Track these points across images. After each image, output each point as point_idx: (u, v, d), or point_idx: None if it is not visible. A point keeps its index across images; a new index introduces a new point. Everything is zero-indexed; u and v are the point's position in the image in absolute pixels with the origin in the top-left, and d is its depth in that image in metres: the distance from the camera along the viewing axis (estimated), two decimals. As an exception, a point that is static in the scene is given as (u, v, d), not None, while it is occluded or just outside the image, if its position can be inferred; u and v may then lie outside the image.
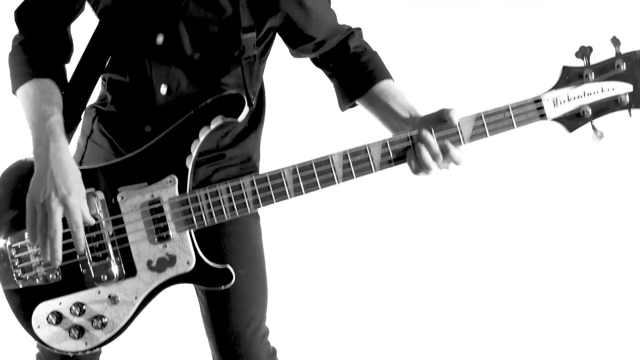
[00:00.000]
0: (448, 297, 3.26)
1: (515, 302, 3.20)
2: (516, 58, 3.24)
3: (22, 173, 1.62)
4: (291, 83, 2.90)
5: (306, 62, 1.82)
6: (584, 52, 1.48)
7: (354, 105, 1.76)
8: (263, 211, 1.82)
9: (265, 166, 1.66)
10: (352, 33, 1.74)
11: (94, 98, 1.83)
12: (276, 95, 2.00)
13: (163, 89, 1.65)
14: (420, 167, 1.52)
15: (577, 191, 3.41)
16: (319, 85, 1.86)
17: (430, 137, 1.51)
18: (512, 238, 3.38)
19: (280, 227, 3.04)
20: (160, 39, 1.62)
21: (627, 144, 3.22)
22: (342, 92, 1.75)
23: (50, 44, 1.68)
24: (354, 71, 1.72)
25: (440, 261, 3.38)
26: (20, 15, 1.69)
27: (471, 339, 3.03)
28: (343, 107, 1.78)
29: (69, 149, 1.55)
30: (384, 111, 1.65)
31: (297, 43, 1.72)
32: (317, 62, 1.79)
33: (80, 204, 1.52)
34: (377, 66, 1.72)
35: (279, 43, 1.76)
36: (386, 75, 1.71)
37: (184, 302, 2.35)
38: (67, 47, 1.72)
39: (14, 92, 1.68)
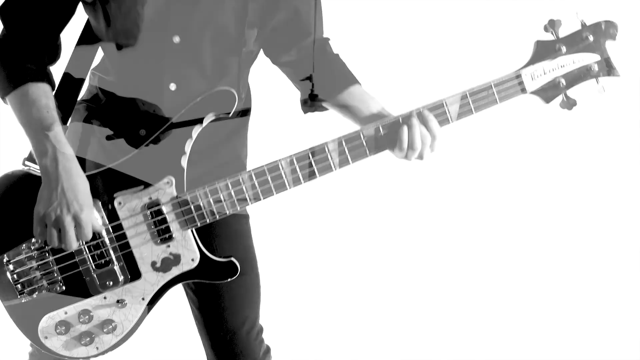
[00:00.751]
0: (442, 291, 3.25)
1: (513, 298, 3.20)
2: (489, 35, 3.19)
3: (11, 188, 1.58)
4: (274, 82, 2.83)
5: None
6: (552, 25, 1.58)
7: (319, 107, 1.78)
8: (252, 210, 1.84)
9: (252, 163, 1.67)
10: (327, 39, 1.78)
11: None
12: (261, 94, 2.00)
13: (172, 86, 1.61)
14: (406, 148, 1.57)
15: (577, 188, 3.43)
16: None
17: (416, 121, 1.57)
18: (510, 235, 3.38)
19: (271, 224, 3.00)
20: (176, 39, 1.57)
21: (626, 142, 3.30)
22: (318, 89, 1.75)
23: (38, 45, 1.58)
24: (332, 71, 1.75)
25: (434, 257, 3.36)
26: (7, 11, 1.56)
27: (469, 337, 3.02)
28: (309, 107, 1.78)
29: (75, 157, 1.51)
30: (363, 109, 1.67)
31: (296, 39, 1.72)
32: (292, 63, 1.78)
33: (91, 218, 1.52)
34: (350, 72, 1.77)
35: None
36: (358, 81, 1.75)
37: (175, 302, 2.30)
38: (55, 51, 1.63)
39: (3, 97, 1.57)
